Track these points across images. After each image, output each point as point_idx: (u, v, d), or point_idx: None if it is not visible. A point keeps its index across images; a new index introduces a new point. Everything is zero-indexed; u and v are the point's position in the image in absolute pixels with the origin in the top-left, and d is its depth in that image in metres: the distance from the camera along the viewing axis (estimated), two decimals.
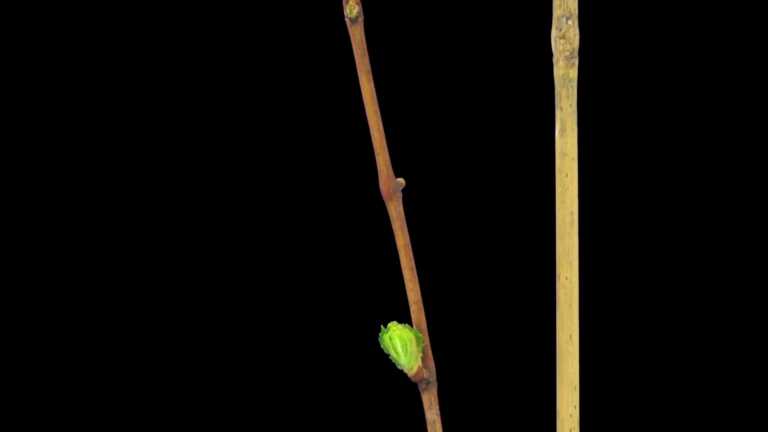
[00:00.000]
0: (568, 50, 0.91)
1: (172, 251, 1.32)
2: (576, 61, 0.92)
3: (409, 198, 0.94)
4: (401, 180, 0.93)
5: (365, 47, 0.89)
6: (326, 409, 1.31)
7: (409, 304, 0.94)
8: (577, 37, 0.91)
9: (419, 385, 0.94)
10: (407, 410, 1.20)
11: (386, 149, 0.92)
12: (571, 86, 0.92)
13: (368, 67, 0.90)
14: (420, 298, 0.94)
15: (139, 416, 1.33)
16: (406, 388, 0.97)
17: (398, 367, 0.94)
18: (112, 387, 1.33)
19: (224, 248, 1.32)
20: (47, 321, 1.32)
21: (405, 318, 0.94)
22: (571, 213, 0.93)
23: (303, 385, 1.32)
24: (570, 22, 0.91)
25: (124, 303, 1.32)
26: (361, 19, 0.88)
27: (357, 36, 0.89)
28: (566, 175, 0.93)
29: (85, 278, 1.32)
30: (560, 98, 0.92)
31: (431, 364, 0.94)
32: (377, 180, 0.93)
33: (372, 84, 0.90)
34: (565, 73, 0.92)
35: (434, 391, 0.94)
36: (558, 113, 0.92)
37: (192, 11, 1.30)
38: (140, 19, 1.30)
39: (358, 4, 0.88)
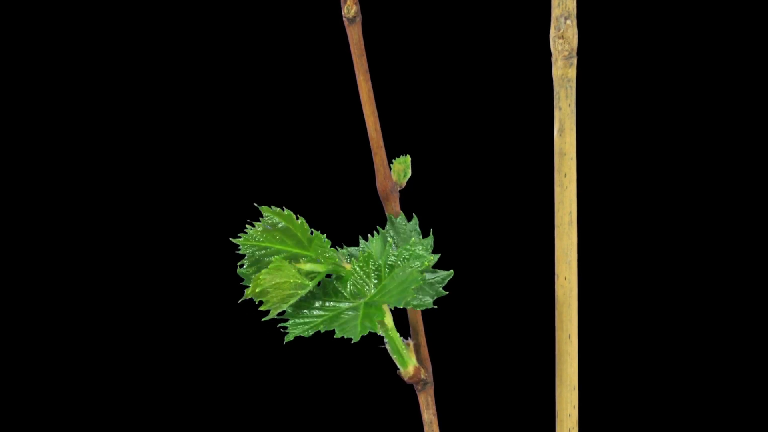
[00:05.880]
0: (566, 50, 0.91)
1: (170, 251, 1.32)
2: (574, 60, 0.91)
3: (407, 198, 0.94)
4: (407, 158, 0.93)
5: (363, 47, 0.89)
6: (324, 410, 1.31)
7: None
8: (576, 36, 0.91)
9: (416, 386, 0.94)
10: (404, 411, 1.20)
11: (383, 149, 0.92)
12: (570, 86, 0.92)
13: (366, 66, 0.90)
14: None
15: (135, 415, 1.33)
16: (403, 388, 0.96)
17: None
18: (106, 386, 1.33)
19: (222, 248, 1.32)
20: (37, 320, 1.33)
21: (402, 319, 0.94)
22: (570, 213, 0.93)
23: (301, 385, 1.31)
24: (568, 21, 0.91)
25: (119, 301, 1.33)
26: (358, 19, 0.88)
27: (355, 36, 0.89)
28: (565, 174, 0.93)
29: (84, 277, 1.33)
30: (559, 98, 0.92)
31: (428, 364, 0.94)
32: (375, 180, 0.93)
33: (369, 84, 0.90)
34: (564, 73, 0.92)
35: (431, 391, 0.94)
36: (557, 113, 0.92)
37: (192, 11, 1.30)
38: (140, 18, 1.30)
39: (355, 3, 0.88)
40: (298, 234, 0.90)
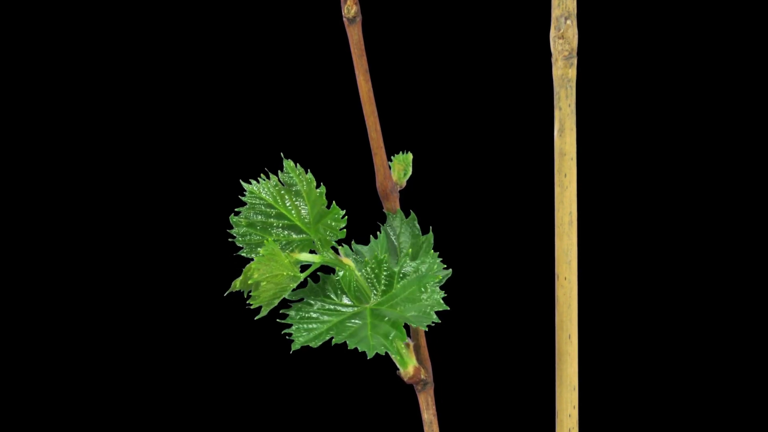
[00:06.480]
0: (566, 50, 0.91)
1: (169, 251, 1.32)
2: (575, 61, 0.91)
3: (407, 197, 0.94)
4: (407, 156, 0.93)
5: (363, 47, 0.89)
6: (324, 410, 1.31)
7: None
8: (576, 37, 0.91)
9: (416, 386, 0.94)
10: (404, 411, 1.20)
11: (383, 149, 0.92)
12: (570, 86, 0.92)
13: (366, 66, 0.90)
14: None
15: (132, 416, 1.33)
16: (403, 388, 0.96)
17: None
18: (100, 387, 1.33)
19: (221, 247, 1.31)
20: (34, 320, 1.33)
21: None
22: (570, 213, 0.93)
23: (301, 385, 1.31)
24: (568, 22, 0.91)
25: (115, 297, 1.33)
26: (358, 19, 0.88)
27: (355, 36, 0.89)
28: (565, 175, 0.93)
29: (82, 277, 1.33)
30: (559, 98, 0.92)
31: (428, 364, 0.94)
32: (375, 179, 0.93)
33: (369, 84, 0.90)
34: (564, 73, 0.92)
35: (431, 391, 0.94)
36: (557, 113, 0.92)
37: (192, 11, 1.29)
38: (140, 18, 1.30)
39: (356, 3, 0.88)
40: (308, 206, 0.88)
